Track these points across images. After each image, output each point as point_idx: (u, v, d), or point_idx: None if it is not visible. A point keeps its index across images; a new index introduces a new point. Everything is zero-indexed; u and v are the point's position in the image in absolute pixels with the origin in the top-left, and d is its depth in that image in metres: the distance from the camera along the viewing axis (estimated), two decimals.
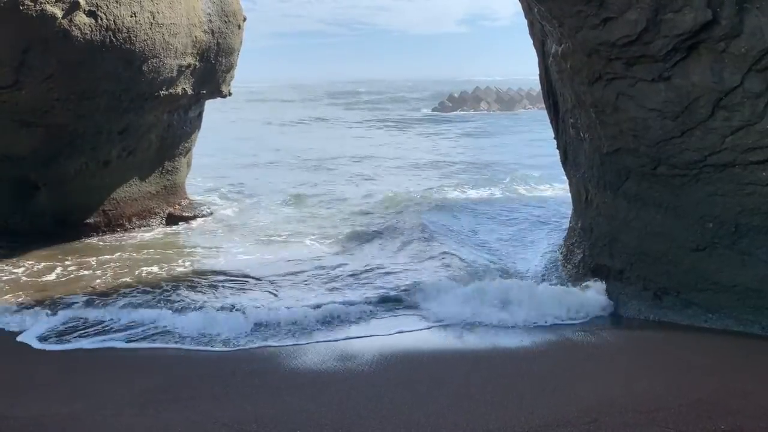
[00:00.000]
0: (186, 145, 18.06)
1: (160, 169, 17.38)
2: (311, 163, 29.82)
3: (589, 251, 11.58)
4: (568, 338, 9.47)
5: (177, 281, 12.70)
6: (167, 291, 12.13)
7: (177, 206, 17.99)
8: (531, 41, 13.02)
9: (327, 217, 18.61)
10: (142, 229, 16.67)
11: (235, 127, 46.00)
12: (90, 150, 15.21)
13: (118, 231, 16.15)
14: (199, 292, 12.12)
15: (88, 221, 15.78)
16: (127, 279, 12.86)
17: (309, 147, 34.65)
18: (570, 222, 13.12)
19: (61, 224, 15.20)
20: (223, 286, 12.43)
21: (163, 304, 11.24)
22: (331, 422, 6.84)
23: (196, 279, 12.90)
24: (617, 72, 9.53)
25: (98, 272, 13.32)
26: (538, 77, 13.31)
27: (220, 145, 33.37)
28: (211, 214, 18.44)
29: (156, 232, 16.73)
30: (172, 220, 17.50)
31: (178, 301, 11.55)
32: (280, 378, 8.18)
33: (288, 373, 8.35)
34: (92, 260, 14.06)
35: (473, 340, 9.50)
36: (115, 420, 7.01)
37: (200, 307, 10.97)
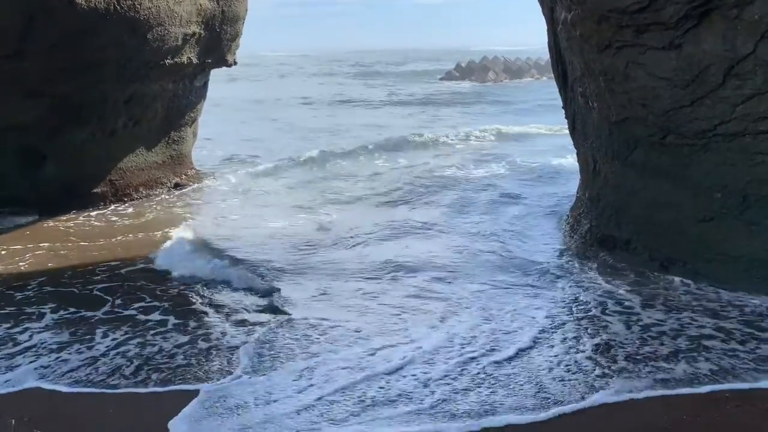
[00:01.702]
0: (192, 114, 17.99)
1: (166, 138, 17.34)
2: (322, 138, 28.66)
3: (596, 221, 11.54)
4: None
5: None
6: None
7: (183, 176, 18.00)
8: (540, 9, 12.82)
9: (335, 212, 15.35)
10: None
11: (240, 101, 45.22)
12: (96, 120, 15.17)
13: (125, 200, 16.18)
14: None
15: (95, 191, 15.80)
16: None
17: (317, 125, 33.62)
18: (577, 192, 13.05)
19: (68, 194, 15.23)
20: None
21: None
22: None
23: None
24: (627, 39, 9.40)
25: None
26: (546, 46, 13.13)
27: (228, 120, 32.95)
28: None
29: (108, 211, 15.38)
30: (178, 190, 17.50)
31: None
32: None
33: None
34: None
35: None
36: None
37: None
